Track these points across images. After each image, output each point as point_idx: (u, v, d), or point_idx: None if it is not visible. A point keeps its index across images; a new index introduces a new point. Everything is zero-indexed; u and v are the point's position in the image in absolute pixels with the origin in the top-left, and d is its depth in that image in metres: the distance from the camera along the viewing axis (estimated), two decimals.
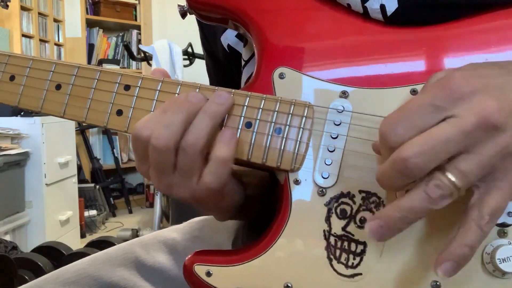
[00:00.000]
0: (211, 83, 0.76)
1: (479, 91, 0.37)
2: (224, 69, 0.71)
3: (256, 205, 0.60)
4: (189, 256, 0.49)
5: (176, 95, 0.51)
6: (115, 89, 0.52)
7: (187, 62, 3.39)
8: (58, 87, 0.54)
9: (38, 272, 1.84)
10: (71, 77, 0.54)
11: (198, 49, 3.33)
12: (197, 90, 0.50)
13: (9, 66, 0.57)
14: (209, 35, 0.69)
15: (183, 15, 0.58)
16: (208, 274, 0.48)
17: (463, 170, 0.36)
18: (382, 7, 0.48)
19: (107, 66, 4.17)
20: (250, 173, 0.61)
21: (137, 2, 4.35)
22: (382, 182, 0.39)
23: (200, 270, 0.48)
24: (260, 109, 0.48)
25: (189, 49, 3.34)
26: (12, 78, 0.56)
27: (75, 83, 0.54)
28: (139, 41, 4.34)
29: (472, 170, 0.36)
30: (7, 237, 2.31)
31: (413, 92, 0.46)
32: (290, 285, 0.47)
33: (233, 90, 0.50)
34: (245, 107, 0.49)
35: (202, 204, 0.51)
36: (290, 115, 0.48)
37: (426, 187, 0.37)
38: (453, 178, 0.36)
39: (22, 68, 0.56)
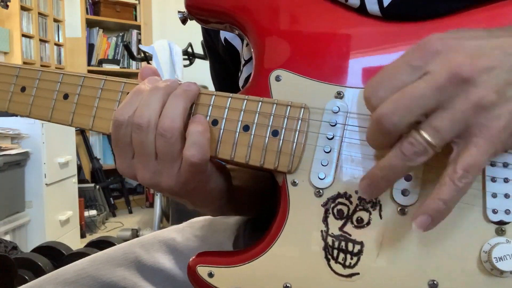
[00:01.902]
0: (215, 85, 0.77)
1: (454, 49, 0.37)
2: (226, 67, 0.71)
3: (249, 197, 0.61)
4: (193, 257, 0.50)
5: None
6: (118, 97, 0.53)
7: (187, 62, 3.39)
8: (66, 96, 0.56)
9: (38, 272, 1.84)
10: (77, 87, 0.56)
11: (198, 49, 3.34)
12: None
13: (20, 78, 0.59)
14: (211, 30, 0.70)
15: (184, 21, 0.59)
16: (210, 275, 0.49)
17: (436, 126, 0.37)
18: None
19: (107, 66, 4.18)
20: (234, 167, 0.62)
21: (137, 2, 4.35)
22: (368, 142, 0.41)
23: (202, 271, 0.49)
24: (257, 113, 0.49)
25: (189, 49, 3.34)
26: (23, 89, 0.58)
27: (81, 93, 0.55)
28: (139, 41, 4.34)
29: (445, 126, 0.37)
30: (7, 237, 2.31)
31: None
32: (289, 285, 0.47)
33: (231, 94, 0.50)
34: (243, 111, 0.49)
35: (189, 191, 0.52)
36: (286, 117, 0.48)
37: (401, 145, 0.38)
38: (426, 135, 0.37)
39: (32, 79, 0.58)
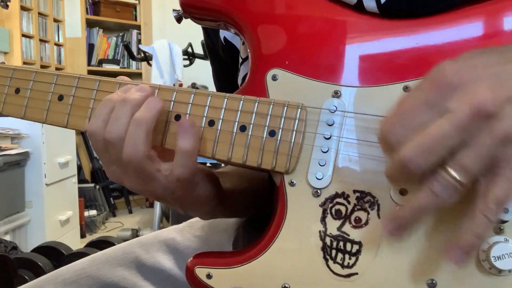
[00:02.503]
0: (216, 85, 0.77)
1: (471, 82, 0.37)
2: (226, 66, 0.71)
3: (242, 200, 0.61)
4: (191, 258, 0.50)
5: (172, 101, 0.52)
6: None
7: (187, 62, 3.39)
8: (61, 98, 0.56)
9: (38, 272, 1.85)
10: (72, 88, 0.55)
11: (198, 49, 3.34)
12: (192, 95, 0.51)
13: (14, 79, 0.58)
14: (211, 31, 0.70)
15: (179, 19, 0.59)
16: (209, 276, 0.49)
17: (463, 164, 0.36)
18: None
19: (107, 66, 4.18)
20: (226, 169, 0.62)
21: (137, 2, 4.35)
22: (390, 179, 0.41)
23: (201, 272, 0.49)
24: (254, 113, 0.49)
25: (189, 49, 3.34)
26: (17, 91, 0.58)
27: (76, 94, 0.55)
28: (139, 41, 4.34)
29: (472, 163, 0.36)
30: (7, 237, 2.31)
31: (406, 88, 0.46)
32: (287, 286, 0.47)
33: (228, 94, 0.50)
34: (239, 111, 0.49)
35: (176, 199, 0.52)
36: (283, 117, 0.48)
37: (431, 185, 0.37)
38: (454, 174, 0.36)
39: (26, 81, 0.58)
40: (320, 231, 0.47)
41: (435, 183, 0.37)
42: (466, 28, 0.46)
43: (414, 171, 0.37)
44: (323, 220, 0.47)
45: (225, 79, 0.74)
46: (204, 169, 0.54)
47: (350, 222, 0.46)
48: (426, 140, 0.36)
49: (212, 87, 0.76)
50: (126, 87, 0.51)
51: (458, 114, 0.36)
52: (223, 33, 0.67)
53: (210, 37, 0.71)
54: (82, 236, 3.24)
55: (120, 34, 4.39)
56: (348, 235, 0.46)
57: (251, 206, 0.66)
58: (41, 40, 3.68)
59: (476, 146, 0.36)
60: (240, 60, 0.64)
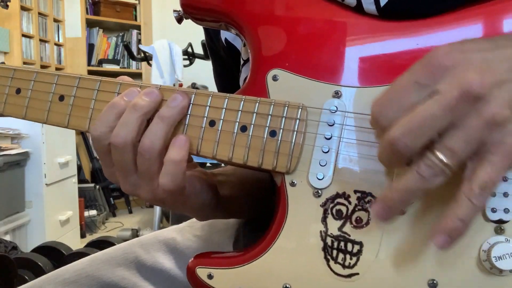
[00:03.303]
0: (217, 86, 0.77)
1: (461, 64, 0.37)
2: (228, 67, 0.71)
3: (241, 203, 0.61)
4: (192, 259, 0.50)
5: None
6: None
7: (187, 62, 3.39)
8: (61, 98, 0.55)
9: (38, 272, 1.85)
10: (73, 89, 0.55)
11: (198, 49, 3.34)
12: (193, 96, 0.51)
13: (14, 80, 0.58)
14: (212, 31, 0.70)
15: (179, 20, 0.59)
16: (210, 276, 0.49)
17: (451, 147, 0.36)
18: None
19: (107, 66, 4.18)
20: (227, 172, 0.62)
21: (137, 2, 4.35)
22: (382, 162, 0.41)
23: (202, 272, 0.49)
24: (255, 113, 0.49)
25: (189, 49, 3.34)
26: (18, 91, 0.58)
27: (77, 94, 0.55)
28: (139, 41, 4.34)
29: (460, 146, 0.36)
30: (7, 237, 2.31)
31: None
32: (288, 286, 0.47)
33: (228, 95, 0.50)
34: (240, 111, 0.49)
35: (168, 204, 0.53)
36: (284, 117, 0.48)
37: (418, 167, 0.37)
38: (441, 156, 0.36)
39: (27, 81, 0.57)
40: (321, 231, 0.47)
41: (422, 165, 0.37)
42: (466, 29, 0.46)
43: (402, 152, 0.37)
44: (324, 220, 0.47)
45: (226, 79, 0.74)
46: (200, 179, 0.54)
47: (351, 222, 0.46)
48: (414, 120, 0.36)
49: (212, 87, 0.76)
50: (131, 91, 0.51)
51: (446, 95, 0.36)
52: (224, 34, 0.67)
53: (211, 37, 0.71)
54: (82, 236, 3.24)
55: (120, 34, 4.39)
56: (349, 235, 0.46)
57: (251, 210, 0.67)
58: (41, 40, 3.68)
59: (464, 129, 0.36)
60: (242, 62, 0.64)
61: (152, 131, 0.48)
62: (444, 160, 0.36)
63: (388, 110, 0.38)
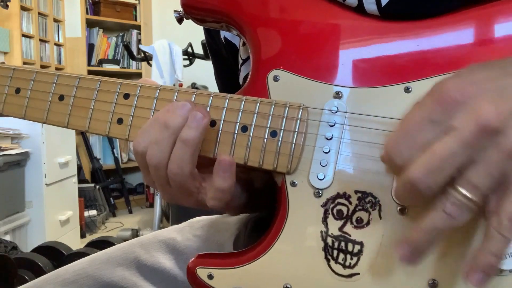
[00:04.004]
0: (218, 85, 0.77)
1: (474, 97, 0.36)
2: (228, 66, 0.71)
3: (267, 196, 0.61)
4: (192, 259, 0.50)
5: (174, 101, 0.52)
6: (115, 98, 0.53)
7: (187, 62, 3.39)
8: (61, 98, 0.55)
9: (38, 272, 1.84)
10: (73, 88, 0.55)
11: (198, 49, 3.34)
12: (193, 96, 0.51)
13: (14, 79, 0.58)
14: (212, 30, 0.70)
15: (180, 20, 0.59)
16: (210, 276, 0.49)
17: (473, 182, 0.36)
18: None
19: (107, 66, 4.18)
20: None
21: (137, 2, 4.35)
22: (398, 200, 0.41)
23: (202, 273, 0.49)
24: (256, 113, 0.49)
25: (189, 49, 3.34)
26: (17, 91, 0.58)
27: (76, 94, 0.55)
28: (139, 41, 4.34)
29: (482, 180, 0.35)
30: (7, 237, 2.31)
31: (407, 90, 0.46)
32: (289, 286, 0.47)
33: (229, 95, 0.50)
34: (241, 111, 0.49)
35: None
36: (284, 118, 0.48)
37: (444, 206, 0.37)
38: (466, 192, 0.36)
39: (26, 81, 0.57)
40: (321, 232, 0.47)
41: (447, 203, 0.36)
42: (467, 30, 0.46)
43: (424, 192, 0.37)
44: (324, 220, 0.47)
45: (228, 79, 0.74)
46: (239, 181, 0.53)
47: (351, 223, 0.46)
48: (433, 159, 0.36)
49: (212, 87, 0.76)
50: (175, 105, 0.49)
51: (463, 131, 0.35)
52: (223, 33, 0.67)
53: (212, 36, 0.71)
54: (82, 236, 3.24)
55: (120, 34, 4.39)
56: (350, 236, 0.46)
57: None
58: (41, 40, 3.68)
59: (484, 163, 0.35)
60: (240, 61, 0.64)
61: (178, 156, 0.47)
62: (469, 196, 0.36)
63: (403, 149, 0.38)
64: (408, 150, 0.37)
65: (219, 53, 0.72)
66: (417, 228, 0.38)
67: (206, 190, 0.50)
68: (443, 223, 0.37)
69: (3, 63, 0.60)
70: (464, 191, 0.36)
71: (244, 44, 0.62)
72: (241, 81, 0.65)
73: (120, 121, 0.53)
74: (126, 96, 0.53)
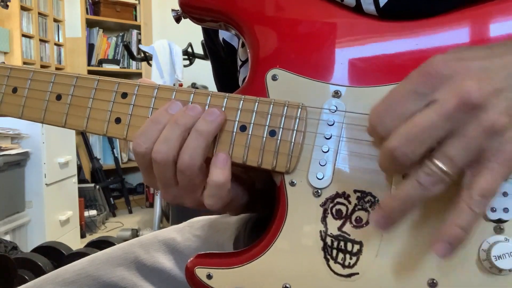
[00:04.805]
0: (217, 86, 0.77)
1: (459, 73, 0.37)
2: (227, 67, 0.71)
3: (267, 196, 0.61)
4: (191, 259, 0.50)
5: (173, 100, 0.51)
6: (112, 97, 0.53)
7: (187, 62, 3.39)
8: (59, 97, 0.55)
9: (38, 272, 1.84)
10: (70, 87, 0.55)
11: (198, 49, 3.34)
12: (192, 95, 0.51)
13: (11, 78, 0.58)
14: (211, 32, 0.70)
15: (178, 19, 0.59)
16: (209, 276, 0.49)
17: (450, 155, 0.36)
18: None
19: (107, 66, 4.18)
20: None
21: (137, 2, 4.35)
22: (382, 170, 0.41)
23: (201, 273, 0.49)
24: (254, 112, 0.49)
25: (189, 49, 3.34)
26: (14, 90, 0.57)
27: (74, 94, 0.55)
28: (139, 41, 4.34)
29: (458, 154, 0.36)
30: (7, 237, 2.31)
31: None
32: (288, 286, 0.47)
33: (228, 94, 0.50)
34: (239, 110, 0.49)
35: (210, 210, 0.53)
36: (283, 117, 0.48)
37: (417, 175, 0.37)
38: (441, 165, 0.36)
39: (23, 80, 0.57)
40: (320, 231, 0.47)
41: (421, 174, 0.37)
42: (466, 29, 0.46)
43: (402, 161, 0.37)
44: (323, 220, 0.47)
45: (226, 80, 0.74)
46: (239, 182, 0.54)
47: (350, 222, 0.46)
48: (413, 129, 0.37)
49: (212, 87, 0.76)
50: (174, 104, 0.50)
51: (444, 104, 0.36)
52: (222, 34, 0.67)
53: (211, 37, 0.71)
54: (82, 236, 3.24)
55: (120, 34, 4.39)
56: (349, 235, 0.46)
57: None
58: (41, 40, 3.68)
59: (463, 137, 0.36)
60: (239, 63, 0.64)
61: (191, 147, 0.47)
62: (444, 168, 0.36)
63: (386, 119, 0.38)
64: (391, 120, 0.38)
65: (217, 54, 0.72)
66: (391, 195, 0.39)
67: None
68: (415, 192, 0.38)
69: (3, 63, 0.60)
70: (439, 163, 0.36)
71: (243, 45, 0.62)
72: (240, 83, 0.65)
73: (118, 120, 0.53)
74: (124, 95, 0.53)
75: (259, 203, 0.60)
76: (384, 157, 0.39)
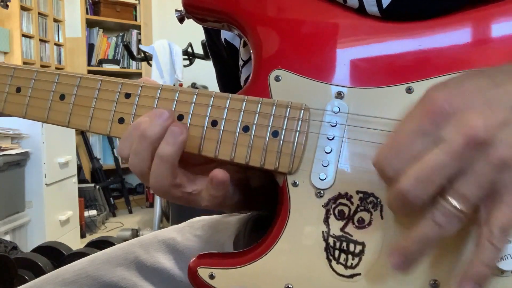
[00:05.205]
0: (219, 86, 0.77)
1: (463, 109, 0.37)
2: (229, 67, 0.71)
3: (266, 194, 0.61)
4: (193, 259, 0.50)
5: (174, 101, 0.52)
6: (116, 97, 0.53)
7: (187, 62, 3.39)
8: (62, 97, 0.55)
9: (38, 272, 1.84)
10: (74, 87, 0.55)
11: (198, 49, 3.34)
12: (195, 96, 0.51)
13: (15, 78, 0.58)
14: (213, 32, 0.70)
15: (181, 20, 0.59)
16: (211, 276, 0.49)
17: (463, 193, 0.36)
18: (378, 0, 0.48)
19: (107, 66, 4.18)
20: None
21: (137, 2, 4.36)
22: (392, 211, 0.41)
23: (203, 272, 0.49)
24: (257, 113, 0.49)
25: (189, 49, 3.34)
26: (18, 90, 0.58)
27: (78, 93, 0.55)
28: (139, 41, 4.34)
29: (471, 191, 0.36)
30: (7, 237, 2.31)
31: (409, 90, 0.46)
32: (290, 286, 0.47)
33: (231, 95, 0.50)
34: (242, 111, 0.49)
35: (199, 206, 0.53)
36: (286, 118, 0.48)
37: (433, 216, 0.37)
38: (455, 203, 0.36)
39: (27, 80, 0.57)
40: (323, 232, 0.47)
41: (436, 213, 0.37)
42: (469, 30, 0.46)
43: (414, 202, 0.37)
44: (326, 220, 0.47)
45: (229, 81, 0.74)
46: (232, 180, 0.53)
47: (353, 223, 0.46)
48: (423, 170, 0.37)
49: (212, 87, 0.76)
50: (154, 112, 0.49)
51: (452, 143, 0.36)
52: (223, 35, 0.67)
53: (212, 37, 0.71)
54: (82, 236, 3.24)
55: (120, 34, 4.39)
56: (351, 236, 0.46)
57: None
58: (41, 40, 3.68)
59: (474, 174, 0.36)
60: (241, 63, 0.64)
61: (156, 172, 0.48)
62: (458, 206, 0.36)
63: (394, 161, 0.38)
64: (399, 162, 0.38)
65: (219, 54, 0.71)
66: (408, 237, 0.39)
67: (197, 191, 0.50)
68: (432, 232, 0.37)
69: (3, 62, 0.60)
70: (453, 201, 0.36)
71: (244, 45, 0.62)
72: (242, 83, 0.65)
73: (121, 120, 0.53)
74: (128, 95, 0.53)
75: (254, 202, 0.60)
76: (395, 200, 0.39)
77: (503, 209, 0.36)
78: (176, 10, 0.59)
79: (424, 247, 0.38)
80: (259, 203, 0.63)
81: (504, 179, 0.36)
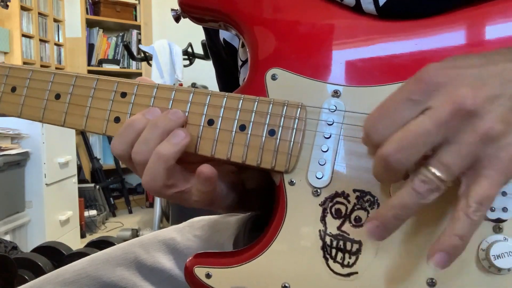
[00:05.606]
0: (219, 86, 0.77)
1: (453, 81, 0.37)
2: (228, 67, 0.71)
3: (261, 195, 0.61)
4: (190, 258, 0.50)
5: (171, 100, 0.52)
6: (112, 96, 0.53)
7: (187, 62, 3.39)
8: (58, 96, 0.55)
9: (38, 272, 1.85)
10: (69, 87, 0.55)
11: (198, 49, 3.34)
12: (191, 95, 0.51)
13: (10, 77, 0.58)
14: (212, 32, 0.70)
15: (177, 19, 0.59)
16: (208, 276, 0.49)
17: (445, 162, 0.36)
18: None
19: (107, 66, 4.18)
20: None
21: (137, 2, 4.35)
22: (376, 178, 0.40)
23: (200, 272, 0.49)
24: (254, 112, 0.49)
25: (189, 49, 3.34)
26: (13, 89, 0.58)
27: (73, 92, 0.55)
28: (139, 41, 4.34)
29: (454, 161, 0.36)
30: (7, 237, 2.31)
31: None
32: (287, 285, 0.47)
33: (227, 94, 0.50)
34: (239, 110, 0.49)
35: (195, 206, 0.53)
36: (283, 116, 0.48)
37: (413, 183, 0.37)
38: (437, 172, 0.36)
39: (22, 79, 0.57)
40: (320, 230, 0.47)
41: (416, 180, 0.37)
42: (465, 29, 0.47)
43: (395, 168, 0.37)
44: (323, 219, 0.47)
45: (228, 80, 0.74)
46: (226, 180, 0.54)
47: (350, 222, 0.46)
48: (407, 136, 0.36)
49: (212, 87, 0.76)
50: (151, 110, 0.50)
51: (439, 111, 0.36)
52: (222, 34, 0.67)
53: (212, 38, 0.71)
54: (82, 236, 3.24)
55: (120, 34, 4.39)
56: (348, 234, 0.46)
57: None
58: (41, 40, 3.68)
59: (457, 144, 0.36)
60: (240, 63, 0.64)
61: (151, 169, 0.48)
62: (439, 175, 0.36)
63: (380, 126, 0.38)
64: (385, 128, 0.38)
65: (218, 54, 0.72)
66: (386, 204, 0.39)
67: (189, 189, 0.50)
68: (410, 200, 0.37)
69: (3, 63, 0.60)
70: (434, 170, 0.36)
71: (243, 45, 0.62)
72: (240, 83, 0.65)
73: (117, 119, 0.53)
74: (124, 94, 0.53)
75: (249, 203, 0.60)
76: (378, 165, 0.38)
77: (483, 182, 0.36)
78: (172, 9, 0.59)
79: (401, 214, 0.38)
80: (254, 204, 0.63)
81: (488, 152, 0.36)
